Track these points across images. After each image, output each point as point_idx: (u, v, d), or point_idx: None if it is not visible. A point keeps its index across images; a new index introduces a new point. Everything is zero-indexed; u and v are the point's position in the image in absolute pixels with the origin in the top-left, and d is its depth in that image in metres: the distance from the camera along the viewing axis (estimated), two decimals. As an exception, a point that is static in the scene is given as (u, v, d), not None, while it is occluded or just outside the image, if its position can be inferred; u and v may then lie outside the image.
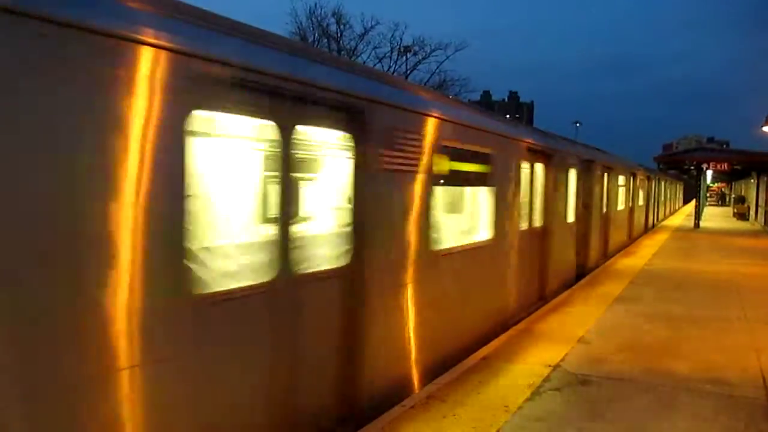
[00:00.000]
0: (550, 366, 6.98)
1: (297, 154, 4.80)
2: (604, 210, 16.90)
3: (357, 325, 5.34)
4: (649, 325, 9.16)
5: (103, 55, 3.01)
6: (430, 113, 6.50)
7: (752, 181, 39.24)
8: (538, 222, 10.68)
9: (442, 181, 6.97)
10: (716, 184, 74.55)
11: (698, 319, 9.65)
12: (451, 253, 7.13)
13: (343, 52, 48.78)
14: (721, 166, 31.81)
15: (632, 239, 22.84)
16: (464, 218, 8.65)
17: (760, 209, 35.38)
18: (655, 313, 10.08)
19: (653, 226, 30.97)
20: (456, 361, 7.03)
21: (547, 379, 6.55)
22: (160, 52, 3.27)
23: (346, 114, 5.15)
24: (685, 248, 21.12)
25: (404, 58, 52.63)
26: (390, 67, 51.40)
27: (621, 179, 19.63)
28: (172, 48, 3.33)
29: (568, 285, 12.42)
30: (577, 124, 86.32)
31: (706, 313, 10.17)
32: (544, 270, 10.97)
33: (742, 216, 40.66)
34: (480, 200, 8.51)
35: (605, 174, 16.58)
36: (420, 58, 53.06)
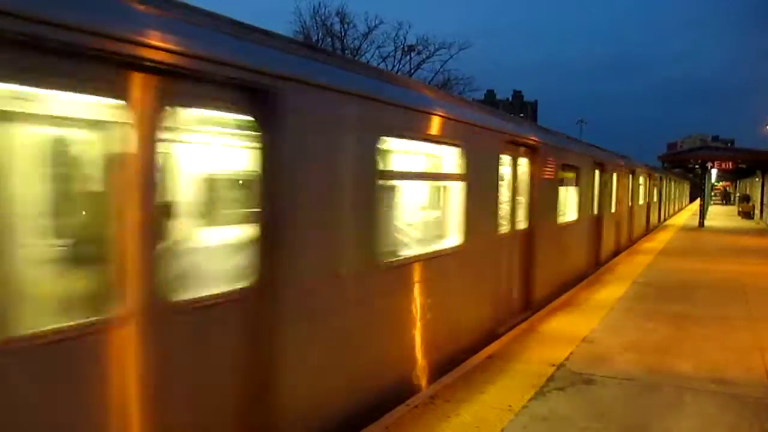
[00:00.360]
0: (554, 365, 6.97)
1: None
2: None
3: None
4: (653, 324, 9.14)
5: None
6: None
7: (757, 179, 39.08)
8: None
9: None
10: (720, 183, 74.34)
11: (703, 318, 9.62)
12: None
13: (347, 51, 48.79)
14: (725, 165, 31.68)
15: (632, 241, 21.70)
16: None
17: (765, 208, 35.25)
18: (659, 312, 10.05)
19: (658, 224, 30.90)
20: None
21: (551, 378, 6.54)
22: None
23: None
24: (690, 247, 21.07)
25: (408, 57, 52.66)
26: (394, 66, 51.43)
27: (615, 177, 17.41)
28: None
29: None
30: (582, 123, 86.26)
31: (711, 312, 10.14)
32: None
33: (746, 215, 40.52)
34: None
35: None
36: (424, 57, 53.07)
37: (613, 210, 17.30)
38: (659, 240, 23.41)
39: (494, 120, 8.68)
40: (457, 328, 7.32)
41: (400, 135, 5.98)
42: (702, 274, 14.54)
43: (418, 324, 6.32)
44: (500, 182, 8.41)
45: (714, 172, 41.39)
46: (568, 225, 12.35)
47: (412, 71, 51.74)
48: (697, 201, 44.96)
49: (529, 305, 9.82)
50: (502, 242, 8.60)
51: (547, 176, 10.38)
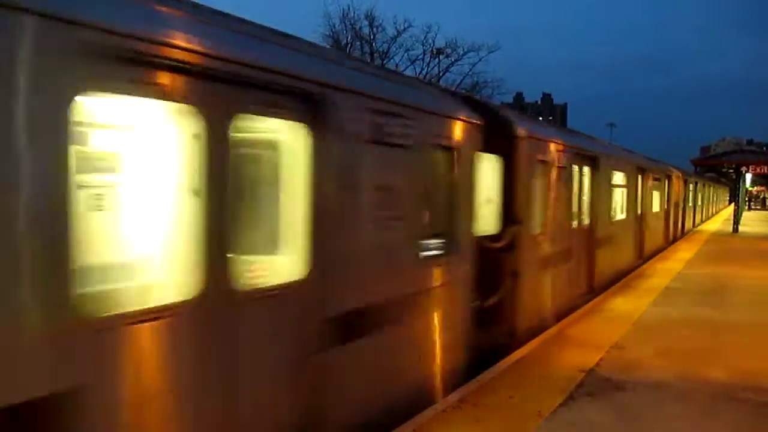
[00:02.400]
0: (583, 371, 6.90)
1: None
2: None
3: None
4: (686, 331, 9.00)
5: None
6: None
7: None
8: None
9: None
10: (755, 188, 72.89)
11: (736, 325, 9.45)
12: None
13: (375, 55, 48.94)
14: (760, 169, 31.09)
15: (668, 242, 22.35)
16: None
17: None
18: (691, 318, 9.89)
19: (693, 227, 30.43)
20: None
21: (580, 384, 6.48)
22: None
23: None
24: (724, 252, 20.69)
25: (437, 60, 52.61)
26: (423, 69, 51.44)
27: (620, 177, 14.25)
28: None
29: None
30: (612, 126, 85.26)
31: (744, 318, 9.95)
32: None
33: (783, 220, 39.69)
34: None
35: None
36: (453, 60, 52.97)
37: (656, 210, 19.73)
38: (694, 242, 23.04)
39: (573, 138, 11.34)
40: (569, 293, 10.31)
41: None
42: (736, 279, 14.27)
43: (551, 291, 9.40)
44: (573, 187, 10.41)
45: (749, 176, 40.65)
46: (620, 222, 14.44)
47: (441, 74, 51.71)
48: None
49: (592, 289, 11.68)
50: (580, 234, 10.98)
51: (603, 181, 12.14)
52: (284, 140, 4.38)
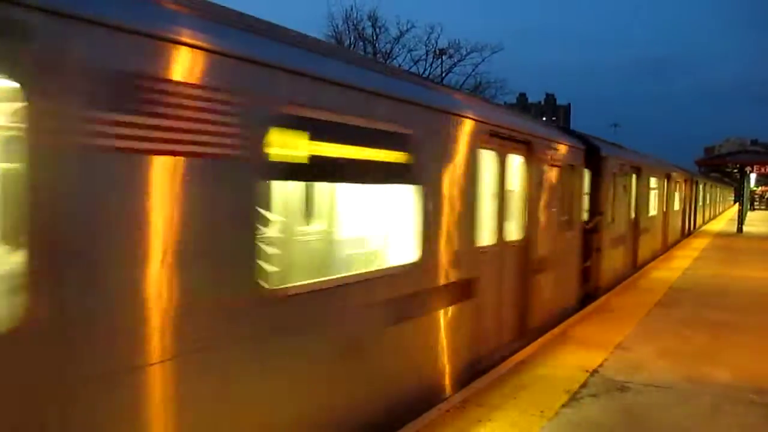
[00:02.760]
0: (587, 371, 6.88)
1: None
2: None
3: None
4: (690, 332, 8.97)
5: None
6: None
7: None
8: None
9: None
10: (760, 188, 72.69)
11: (741, 326, 9.41)
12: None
13: (378, 56, 48.94)
14: (765, 169, 30.99)
15: (684, 235, 25.81)
16: None
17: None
18: (695, 319, 9.86)
19: (703, 223, 30.86)
20: None
21: (584, 384, 6.46)
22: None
23: None
24: (728, 252, 20.63)
25: (440, 61, 52.58)
26: (425, 70, 51.40)
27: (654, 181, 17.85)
28: None
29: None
30: (616, 126, 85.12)
31: (749, 319, 9.92)
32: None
33: (787, 220, 39.56)
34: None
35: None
36: (455, 60, 52.95)
37: (676, 208, 23.07)
38: (700, 241, 22.99)
39: (628, 154, 15.10)
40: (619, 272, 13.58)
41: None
42: (740, 281, 14.22)
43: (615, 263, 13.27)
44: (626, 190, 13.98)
45: (753, 176, 40.53)
46: (653, 217, 18.08)
47: (444, 75, 51.69)
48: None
49: (635, 266, 15.57)
50: (631, 224, 14.93)
51: (644, 185, 15.98)
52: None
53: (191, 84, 3.26)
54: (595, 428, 5.39)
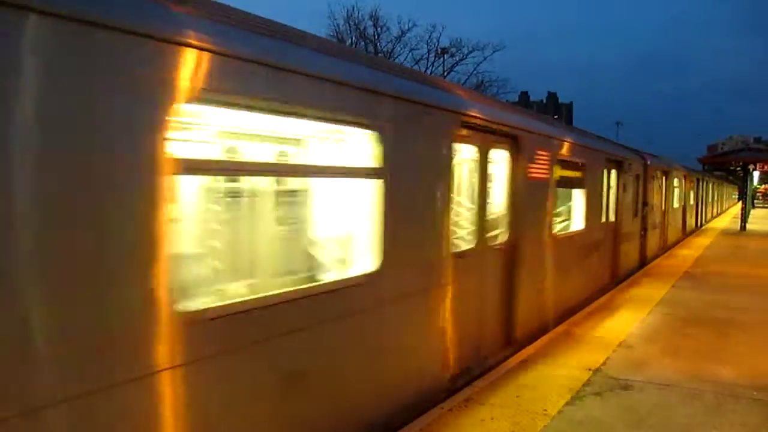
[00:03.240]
0: (590, 370, 6.87)
1: None
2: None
3: None
4: (693, 329, 8.95)
5: None
6: None
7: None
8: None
9: None
10: (763, 186, 72.60)
11: (744, 324, 9.39)
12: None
13: (380, 55, 48.92)
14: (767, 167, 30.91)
15: (696, 226, 29.65)
16: None
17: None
18: (699, 316, 9.84)
19: (711, 218, 32.03)
20: None
21: (587, 383, 6.45)
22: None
23: None
24: (732, 250, 20.59)
25: (441, 59, 52.57)
26: (427, 69, 51.37)
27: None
28: None
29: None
30: (619, 125, 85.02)
31: (753, 317, 9.89)
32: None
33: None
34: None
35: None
36: (457, 59, 52.96)
37: (691, 203, 27.71)
38: (703, 239, 22.96)
39: (661, 161, 19.26)
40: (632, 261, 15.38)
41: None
42: (744, 278, 14.19)
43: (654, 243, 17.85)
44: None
45: (756, 174, 40.43)
46: (676, 209, 22.77)
47: (445, 74, 51.66)
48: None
49: (665, 247, 20.19)
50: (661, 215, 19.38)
51: (671, 185, 20.71)
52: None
53: None
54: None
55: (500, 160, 7.46)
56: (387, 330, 5.15)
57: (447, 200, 5.94)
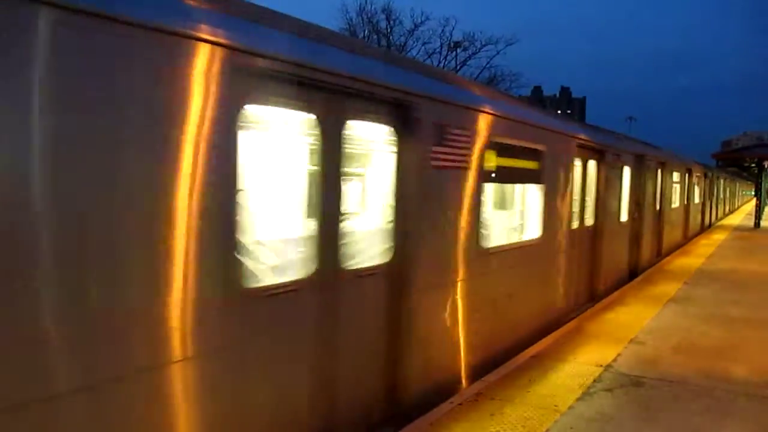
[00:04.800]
0: (601, 366, 6.85)
1: None
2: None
3: None
4: (706, 327, 8.89)
5: None
6: None
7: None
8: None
9: None
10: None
11: (758, 322, 9.31)
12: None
13: (392, 48, 48.82)
14: (783, 163, 30.59)
15: (711, 222, 31.22)
16: None
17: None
18: (711, 314, 9.77)
19: (708, 226, 30.99)
20: None
21: (598, 379, 6.43)
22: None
23: None
24: (744, 248, 20.43)
25: (454, 53, 52.38)
26: (440, 62, 51.23)
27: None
28: None
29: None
30: (632, 120, 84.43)
31: (766, 315, 9.81)
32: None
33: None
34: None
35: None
36: (470, 53, 52.75)
37: (696, 201, 27.14)
38: (717, 235, 22.84)
39: (689, 162, 22.24)
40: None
41: None
42: (758, 276, 14.07)
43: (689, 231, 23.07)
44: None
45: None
46: (696, 205, 24.97)
47: (458, 68, 51.50)
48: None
49: (686, 237, 22.38)
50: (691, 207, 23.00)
51: (698, 182, 24.55)
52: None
53: None
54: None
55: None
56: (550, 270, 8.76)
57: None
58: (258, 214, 4.66)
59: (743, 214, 44.14)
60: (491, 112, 6.59)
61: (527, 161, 7.80)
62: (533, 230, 8.21)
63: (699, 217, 26.30)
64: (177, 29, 3.21)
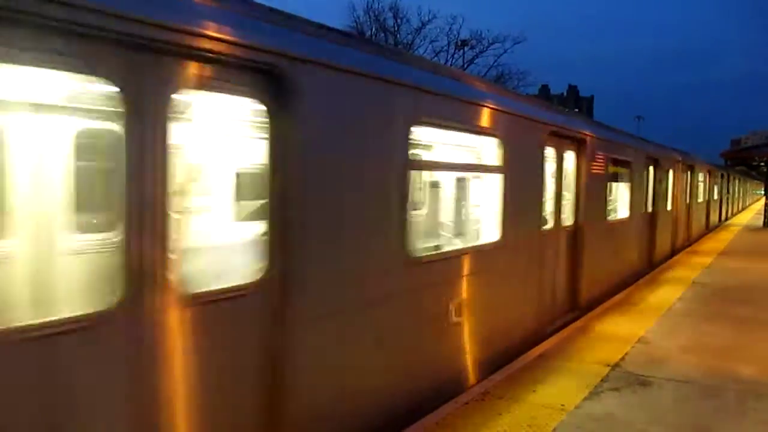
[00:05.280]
0: (608, 365, 6.83)
1: None
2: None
3: None
4: (714, 326, 8.84)
5: None
6: None
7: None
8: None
9: None
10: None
11: (764, 321, 9.26)
12: None
13: (400, 46, 48.82)
14: (793, 163, 30.40)
15: (727, 217, 35.41)
16: None
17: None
18: (719, 313, 9.72)
19: (739, 211, 34.58)
20: None
21: (605, 378, 6.41)
22: None
23: None
24: (754, 246, 20.33)
25: (461, 52, 52.30)
26: (447, 60, 51.16)
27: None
28: None
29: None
30: (640, 119, 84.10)
31: (776, 315, 9.79)
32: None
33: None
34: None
35: None
36: (477, 51, 52.66)
37: (729, 195, 34.80)
38: (725, 234, 22.71)
39: (698, 160, 22.64)
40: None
41: None
42: (765, 274, 13.99)
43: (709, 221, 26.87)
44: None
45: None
46: (713, 200, 27.51)
47: (465, 66, 51.41)
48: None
49: (707, 228, 25.61)
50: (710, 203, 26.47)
51: (716, 181, 28.21)
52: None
53: None
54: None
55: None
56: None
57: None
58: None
59: (752, 213, 43.91)
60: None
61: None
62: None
63: (718, 210, 32.19)
64: None
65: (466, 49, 52.28)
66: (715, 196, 28.60)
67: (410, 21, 52.50)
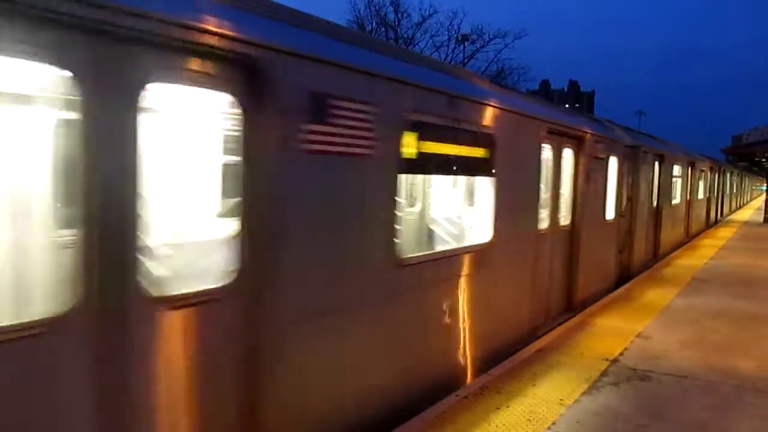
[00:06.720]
0: (608, 360, 6.84)
1: None
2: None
3: None
4: (713, 322, 8.86)
5: None
6: None
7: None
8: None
9: None
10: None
11: (765, 317, 9.27)
12: None
13: (400, 41, 48.71)
14: (794, 158, 30.39)
15: (730, 212, 37.57)
16: None
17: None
18: (719, 309, 9.73)
19: (738, 207, 35.27)
20: None
21: (604, 373, 6.42)
22: None
23: None
24: (754, 242, 20.34)
25: (462, 46, 52.18)
26: (447, 56, 51.06)
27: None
28: None
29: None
30: (641, 114, 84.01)
31: (775, 310, 9.81)
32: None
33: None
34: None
35: None
36: (478, 46, 52.50)
37: (730, 191, 36.32)
38: (725, 231, 22.73)
39: (705, 159, 25.23)
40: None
41: None
42: (765, 271, 14.00)
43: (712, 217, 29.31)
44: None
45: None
46: (696, 201, 24.16)
47: (466, 61, 51.30)
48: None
49: (715, 221, 28.92)
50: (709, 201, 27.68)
51: (724, 178, 31.69)
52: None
53: None
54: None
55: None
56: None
57: None
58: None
59: (752, 209, 43.92)
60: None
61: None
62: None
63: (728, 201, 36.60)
64: None
65: (466, 44, 52.16)
66: (701, 195, 23.61)
67: (411, 15, 52.41)
